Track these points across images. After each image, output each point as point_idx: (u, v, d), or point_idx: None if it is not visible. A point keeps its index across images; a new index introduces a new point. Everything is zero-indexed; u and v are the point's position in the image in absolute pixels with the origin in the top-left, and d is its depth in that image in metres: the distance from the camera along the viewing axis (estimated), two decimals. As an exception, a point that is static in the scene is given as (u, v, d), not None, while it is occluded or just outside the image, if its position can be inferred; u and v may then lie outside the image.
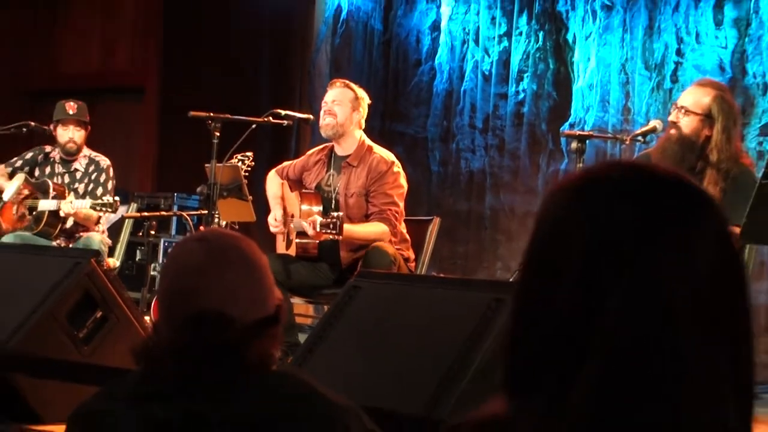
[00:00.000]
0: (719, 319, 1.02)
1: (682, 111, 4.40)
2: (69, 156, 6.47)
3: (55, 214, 6.14)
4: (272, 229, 5.35)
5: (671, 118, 4.46)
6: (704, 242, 1.03)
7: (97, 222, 6.28)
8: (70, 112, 6.44)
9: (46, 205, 6.17)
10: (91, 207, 6.01)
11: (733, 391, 1.02)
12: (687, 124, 4.38)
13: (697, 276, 1.02)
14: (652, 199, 1.05)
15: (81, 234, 6.24)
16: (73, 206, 6.03)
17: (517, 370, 1.10)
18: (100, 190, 6.30)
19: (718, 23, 7.11)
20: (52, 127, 6.52)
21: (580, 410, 1.00)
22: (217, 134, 5.39)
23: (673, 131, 4.42)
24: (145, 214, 7.53)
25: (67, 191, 6.24)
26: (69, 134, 6.43)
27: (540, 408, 1.04)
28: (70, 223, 6.23)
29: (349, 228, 4.94)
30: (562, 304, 1.05)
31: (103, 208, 5.99)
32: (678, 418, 0.99)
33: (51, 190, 6.23)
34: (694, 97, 4.41)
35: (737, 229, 4.07)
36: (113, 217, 6.50)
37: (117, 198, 6.13)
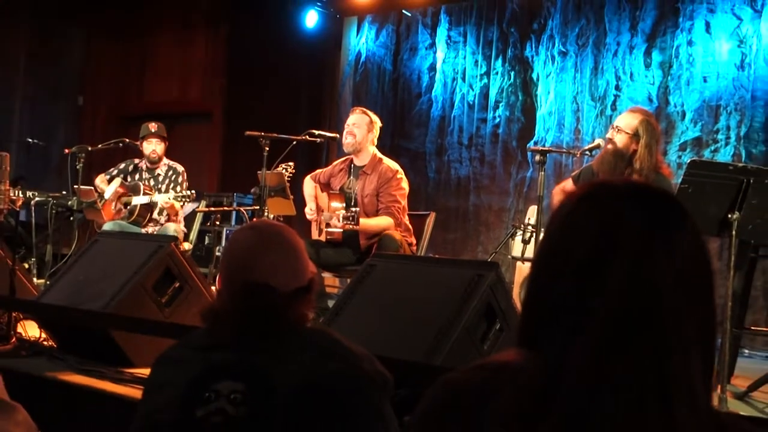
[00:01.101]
0: (694, 300, 1.03)
1: (616, 129, 4.39)
2: (152, 164, 6.48)
3: (145, 207, 6.17)
4: (308, 217, 5.37)
5: (608, 135, 4.46)
6: (685, 241, 1.04)
7: (177, 213, 6.30)
8: (152, 130, 6.46)
9: (138, 200, 6.19)
10: (174, 198, 6.05)
11: (700, 352, 1.02)
12: (620, 140, 4.37)
13: (679, 268, 1.02)
14: (652, 205, 1.06)
15: (164, 224, 6.26)
16: (161, 198, 6.08)
17: (529, 327, 1.10)
18: (178, 188, 6.31)
19: (647, 65, 7.09)
20: (139, 142, 6.54)
21: (578, 367, 0.99)
22: (267, 149, 5.37)
23: (609, 146, 4.41)
24: (212, 209, 7.54)
25: (153, 191, 6.27)
26: (152, 147, 6.44)
27: (544, 361, 1.03)
28: (156, 213, 6.25)
29: (363, 221, 4.96)
30: (570, 280, 1.04)
31: (184, 198, 6.03)
32: (656, 375, 0.98)
33: (142, 190, 6.26)
34: (626, 120, 4.40)
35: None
36: (188, 209, 6.50)
37: (192, 191, 6.15)
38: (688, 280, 1.03)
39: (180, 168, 6.51)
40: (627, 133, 4.34)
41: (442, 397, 1.10)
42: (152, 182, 6.42)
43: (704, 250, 1.07)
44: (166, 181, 6.43)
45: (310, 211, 5.35)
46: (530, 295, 1.11)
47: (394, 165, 5.29)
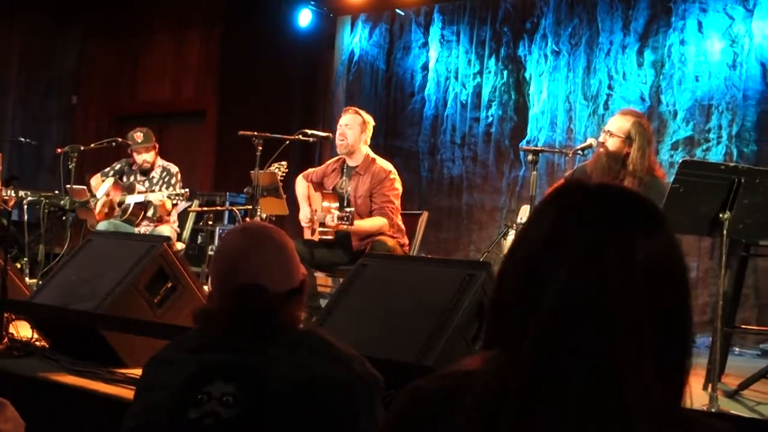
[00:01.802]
0: (652, 301, 1.00)
1: (609, 134, 4.39)
2: (146, 171, 6.47)
3: (139, 206, 6.17)
4: (304, 224, 5.35)
5: (601, 139, 4.45)
6: (646, 244, 1.02)
7: (169, 213, 6.29)
8: (138, 141, 6.39)
9: (132, 199, 6.20)
10: (168, 197, 6.05)
11: (658, 351, 1.00)
12: (612, 144, 4.37)
13: (633, 270, 1.00)
14: (611, 206, 1.05)
15: (157, 224, 6.25)
16: (156, 197, 6.07)
17: (491, 329, 1.09)
18: (171, 189, 6.31)
19: (640, 65, 7.10)
20: (129, 152, 6.52)
21: (523, 360, 0.98)
22: (260, 148, 5.38)
23: (602, 149, 4.41)
24: (205, 208, 7.54)
25: (147, 191, 6.28)
26: (142, 157, 6.41)
27: (498, 360, 1.02)
28: (150, 212, 6.25)
29: (357, 222, 4.96)
30: (523, 280, 1.04)
31: (177, 197, 6.03)
32: (599, 371, 0.97)
33: (136, 190, 6.26)
34: (617, 123, 4.40)
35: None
36: (181, 208, 6.50)
37: (186, 190, 6.15)
38: (647, 282, 1.00)
39: (174, 169, 6.51)
40: (619, 136, 4.34)
41: (408, 406, 1.09)
42: (147, 184, 6.41)
43: (671, 253, 1.04)
44: (160, 183, 6.42)
45: (305, 219, 5.32)
46: (493, 297, 1.10)
47: (387, 165, 5.29)
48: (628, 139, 4.34)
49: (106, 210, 6.29)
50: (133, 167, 6.52)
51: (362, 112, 5.38)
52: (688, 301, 1.06)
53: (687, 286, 1.06)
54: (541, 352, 0.98)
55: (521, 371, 0.98)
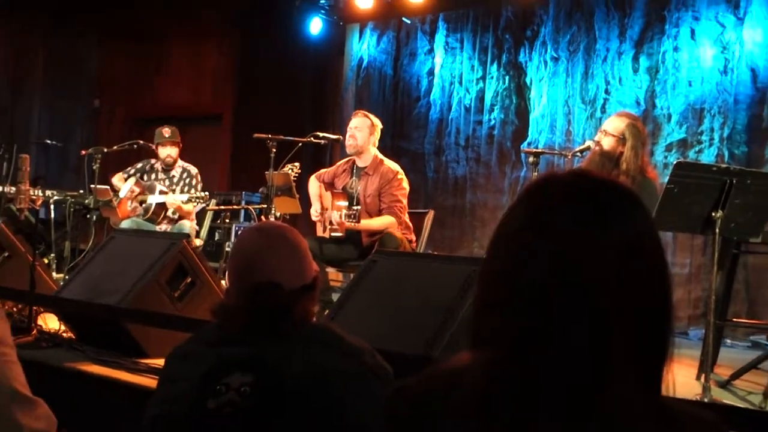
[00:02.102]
0: (627, 294, 0.96)
1: (604, 133, 4.40)
2: (168, 166, 6.49)
3: (160, 205, 6.19)
4: (314, 218, 5.37)
5: (596, 138, 4.46)
6: (619, 237, 0.97)
7: (190, 213, 6.31)
8: (166, 135, 6.47)
9: (153, 199, 6.21)
10: (186, 201, 6.05)
11: (636, 344, 0.96)
12: (607, 143, 4.37)
13: (606, 264, 0.96)
14: (583, 200, 1.00)
15: (178, 221, 6.27)
16: (177, 199, 6.08)
17: (475, 329, 1.05)
18: (192, 190, 6.32)
19: (635, 70, 7.09)
20: (154, 146, 6.54)
21: (504, 356, 0.96)
22: (274, 150, 5.39)
23: (597, 147, 4.41)
24: (222, 207, 7.54)
25: (169, 191, 6.29)
26: (167, 151, 6.46)
27: (483, 358, 1.00)
28: (170, 211, 6.26)
29: (367, 221, 4.99)
30: (501, 278, 1.01)
31: (198, 200, 6.04)
32: (576, 364, 0.94)
33: (158, 189, 6.27)
34: (613, 124, 4.41)
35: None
36: (198, 208, 6.51)
37: (206, 193, 6.16)
38: (620, 271, 0.95)
39: (194, 170, 6.52)
40: (614, 136, 4.35)
41: (397, 406, 1.07)
42: (167, 183, 6.43)
43: (644, 241, 0.99)
44: (181, 183, 6.44)
45: (315, 213, 5.34)
46: (476, 296, 1.06)
47: (394, 166, 5.29)
48: (622, 139, 4.34)
49: (130, 209, 6.31)
50: (155, 166, 6.54)
51: (371, 116, 5.38)
52: (666, 289, 1.01)
53: (664, 274, 1.01)
54: (519, 347, 0.95)
55: (502, 368, 0.96)
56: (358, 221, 4.80)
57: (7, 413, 1.43)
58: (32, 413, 1.47)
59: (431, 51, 8.44)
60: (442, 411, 1.00)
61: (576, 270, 0.95)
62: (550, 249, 0.96)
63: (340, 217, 4.88)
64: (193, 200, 6.04)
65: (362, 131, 5.27)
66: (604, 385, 0.93)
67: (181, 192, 6.34)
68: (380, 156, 5.34)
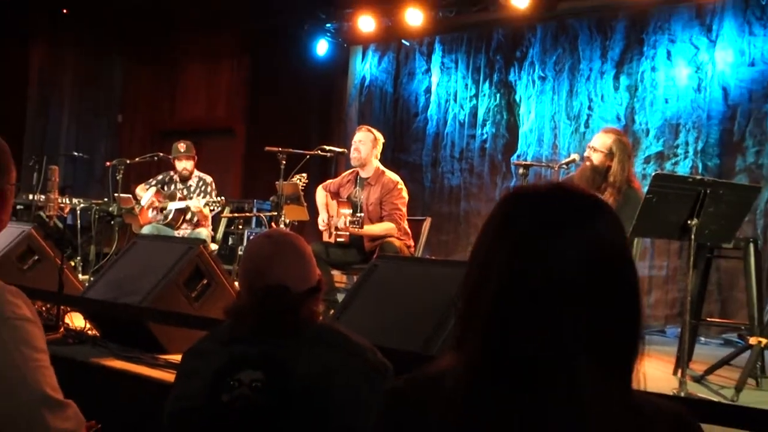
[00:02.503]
0: (591, 296, 0.94)
1: (593, 149, 4.39)
2: (184, 178, 6.49)
3: (179, 212, 6.19)
4: (320, 228, 5.36)
5: (586, 154, 4.45)
6: (580, 238, 0.95)
7: (207, 218, 6.31)
8: (181, 150, 6.46)
9: (173, 205, 6.22)
10: (204, 205, 6.06)
11: (601, 341, 0.94)
12: (596, 159, 4.37)
13: (565, 268, 0.94)
14: (544, 207, 0.99)
15: (195, 227, 6.27)
16: (194, 204, 6.07)
17: (458, 332, 1.04)
18: (208, 197, 6.33)
19: (616, 88, 7.09)
20: (172, 159, 6.55)
21: (470, 365, 0.96)
22: (283, 162, 5.39)
23: (587, 163, 4.40)
24: (235, 214, 7.54)
25: (187, 199, 6.30)
26: (182, 164, 6.45)
27: (460, 364, 0.99)
28: (189, 216, 6.27)
29: (369, 227, 4.99)
30: (473, 284, 0.99)
31: (214, 204, 6.05)
32: (546, 363, 0.93)
33: (177, 198, 6.28)
34: (601, 140, 4.40)
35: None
36: (216, 211, 6.51)
37: (222, 197, 6.17)
38: (589, 278, 0.94)
39: (209, 179, 6.53)
40: (602, 151, 4.34)
41: (389, 407, 1.06)
42: (185, 192, 6.43)
43: (611, 250, 0.97)
44: (197, 191, 6.45)
45: (322, 223, 5.34)
46: (460, 302, 1.04)
47: (395, 177, 5.29)
48: (609, 154, 4.34)
49: (151, 216, 6.32)
50: (174, 177, 6.55)
51: (374, 130, 5.39)
52: (634, 290, 0.99)
53: (630, 276, 0.99)
54: (489, 349, 0.94)
55: (476, 367, 0.95)
56: (361, 227, 4.81)
57: (38, 416, 1.42)
58: (62, 415, 1.45)
59: (428, 71, 8.45)
60: (427, 411, 0.99)
61: (541, 274, 0.93)
62: (515, 256, 0.95)
63: (345, 223, 4.89)
64: (210, 204, 6.06)
65: (366, 145, 5.28)
66: (574, 383, 0.92)
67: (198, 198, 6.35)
68: (382, 168, 5.34)
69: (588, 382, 0.92)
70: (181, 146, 6.46)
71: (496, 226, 1.01)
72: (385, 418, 1.05)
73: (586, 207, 1.00)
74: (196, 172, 6.55)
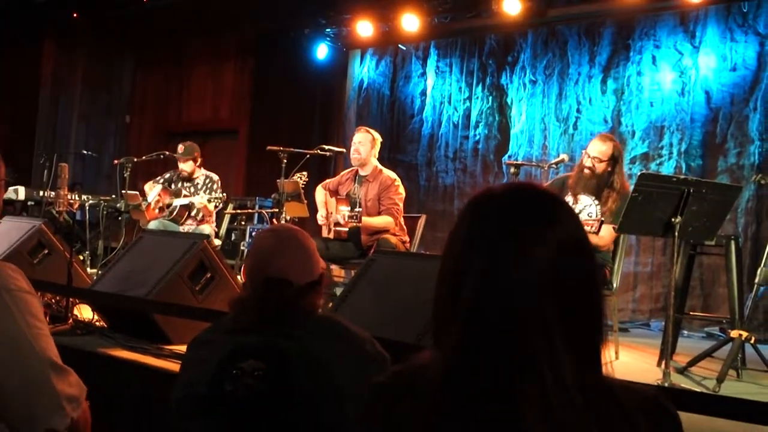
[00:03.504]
0: (558, 292, 0.94)
1: (597, 160, 4.33)
2: (186, 178, 6.46)
3: (184, 207, 6.17)
4: (320, 222, 5.36)
5: (587, 163, 4.36)
6: (548, 241, 0.96)
7: (211, 214, 6.29)
8: (179, 152, 6.41)
9: (178, 201, 6.20)
10: (208, 200, 6.05)
11: (569, 335, 0.93)
12: (600, 167, 4.33)
13: (535, 268, 0.94)
14: (509, 210, 0.99)
15: (200, 224, 6.25)
16: (197, 200, 6.06)
17: (435, 328, 1.03)
18: (213, 193, 6.31)
19: (603, 92, 7.09)
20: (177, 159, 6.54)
21: (449, 365, 0.95)
22: (285, 161, 5.38)
23: (588, 171, 4.35)
24: (238, 211, 7.53)
25: (192, 195, 6.29)
26: (181, 166, 6.42)
27: (439, 359, 0.98)
28: (193, 212, 6.25)
29: (366, 219, 4.97)
30: (446, 284, 0.99)
31: (217, 200, 6.03)
32: (516, 359, 0.92)
33: (182, 195, 6.26)
34: (601, 149, 4.35)
35: (610, 227, 4.05)
36: (219, 207, 6.49)
37: (224, 194, 6.16)
38: (550, 277, 0.94)
39: (215, 177, 6.51)
40: (606, 161, 4.33)
41: (372, 401, 1.05)
42: (192, 189, 6.41)
43: (575, 246, 0.97)
44: (204, 188, 6.43)
45: (321, 218, 5.33)
46: (434, 298, 1.04)
47: (392, 175, 5.29)
48: (611, 161, 4.34)
49: (157, 212, 6.30)
50: (180, 175, 6.53)
51: (372, 131, 5.38)
52: (596, 280, 0.99)
53: (592, 266, 0.99)
54: (466, 348, 0.93)
55: (454, 364, 0.94)
56: (360, 221, 4.81)
57: (47, 381, 1.43)
58: (66, 380, 1.47)
59: (424, 74, 8.44)
60: (407, 405, 0.98)
61: (513, 274, 0.93)
62: (486, 258, 0.95)
63: (344, 218, 4.89)
64: (212, 200, 6.05)
65: (365, 145, 5.27)
66: (555, 374, 0.91)
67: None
68: (380, 166, 5.34)
69: (567, 372, 0.92)
70: (180, 148, 6.41)
71: (465, 230, 1.00)
72: (370, 412, 1.04)
73: (549, 206, 1.00)
74: (203, 171, 6.53)
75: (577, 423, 0.91)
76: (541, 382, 0.91)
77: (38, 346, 1.44)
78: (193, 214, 6.25)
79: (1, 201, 1.65)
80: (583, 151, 4.48)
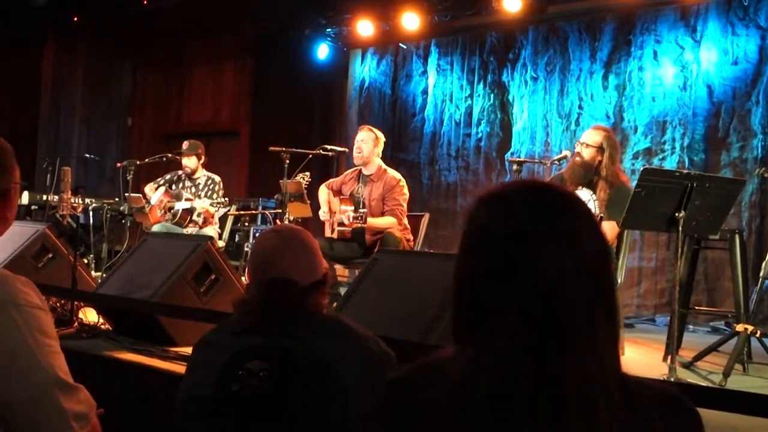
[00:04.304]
0: (592, 287, 0.97)
1: (584, 145, 4.36)
2: (189, 175, 6.47)
3: (186, 211, 6.17)
4: (322, 218, 5.36)
5: (577, 149, 4.42)
6: (579, 235, 0.98)
7: (213, 216, 6.30)
8: (184, 147, 6.44)
9: (180, 205, 6.20)
10: (210, 205, 6.05)
11: (604, 324, 0.96)
12: (587, 154, 4.35)
13: (578, 255, 0.97)
14: (545, 209, 1.01)
15: (203, 226, 6.25)
16: (200, 204, 6.07)
17: (459, 325, 1.04)
18: (215, 196, 6.31)
19: (605, 88, 7.08)
20: (179, 158, 6.54)
21: (493, 364, 0.94)
22: (287, 161, 5.38)
23: (578, 159, 4.38)
24: (241, 212, 7.53)
25: (194, 197, 6.28)
26: (185, 161, 6.44)
27: (469, 354, 0.98)
28: (196, 215, 6.25)
29: (370, 220, 4.96)
30: (485, 283, 0.99)
31: (219, 205, 6.03)
32: (565, 353, 0.93)
33: (184, 197, 6.26)
34: (591, 136, 4.38)
35: (612, 223, 4.06)
36: (221, 213, 6.49)
37: (227, 198, 6.16)
38: (585, 270, 0.97)
39: (217, 178, 6.51)
40: (593, 146, 4.33)
41: (390, 395, 1.05)
42: (193, 190, 6.42)
43: (596, 241, 1.01)
44: (205, 189, 6.43)
45: (323, 214, 5.34)
46: (455, 294, 1.05)
47: (397, 175, 5.28)
48: (600, 149, 4.32)
49: (160, 214, 6.31)
50: (181, 176, 6.53)
51: (375, 130, 5.37)
52: (612, 275, 1.03)
53: (609, 260, 1.02)
54: (508, 351, 0.94)
55: (486, 370, 0.94)
56: (365, 222, 4.81)
57: (53, 398, 1.42)
58: (74, 398, 1.46)
59: (425, 72, 8.44)
60: (428, 400, 0.98)
61: (534, 277, 0.95)
62: (526, 250, 0.96)
63: (348, 218, 4.89)
64: (215, 204, 6.05)
65: (368, 144, 5.27)
66: (583, 372, 0.93)
67: (206, 197, 6.33)
68: (384, 166, 5.33)
69: (606, 361, 0.94)
70: (185, 144, 6.45)
71: (501, 227, 1.01)
72: (386, 406, 1.04)
73: (574, 200, 1.03)
74: (205, 172, 6.53)
75: (613, 414, 0.92)
76: (584, 372, 0.92)
77: (46, 364, 1.43)
78: (194, 217, 6.26)
79: (16, 205, 1.65)
80: (577, 141, 4.51)
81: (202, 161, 6.49)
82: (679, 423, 0.97)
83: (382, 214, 5.13)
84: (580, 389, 0.92)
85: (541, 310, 0.95)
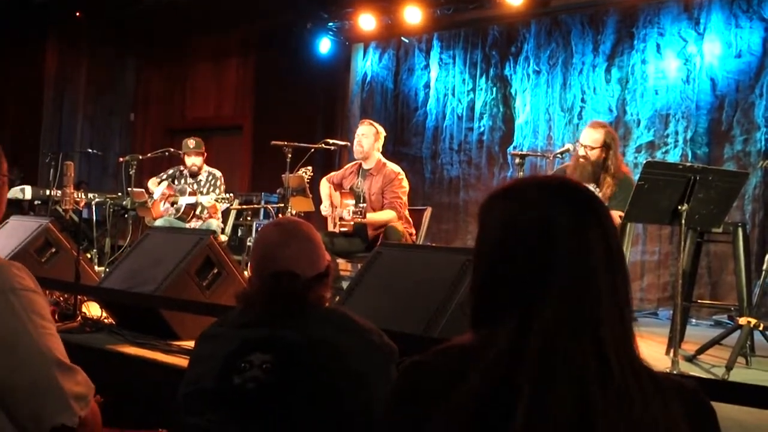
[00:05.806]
0: (615, 276, 1.02)
1: (589, 148, 4.38)
2: (193, 173, 6.47)
3: (190, 206, 6.18)
4: (323, 213, 5.36)
5: (581, 152, 4.43)
6: (605, 229, 1.03)
7: (217, 211, 6.30)
8: (191, 146, 6.43)
9: (184, 200, 6.20)
10: (215, 200, 6.05)
11: (627, 318, 1.01)
12: (593, 155, 4.38)
13: (606, 246, 1.02)
14: (579, 197, 1.06)
15: (204, 220, 6.25)
16: (205, 200, 6.07)
17: (481, 313, 1.06)
18: (217, 191, 6.31)
19: (608, 81, 7.06)
20: (182, 155, 6.53)
21: (539, 347, 0.97)
22: (289, 155, 5.37)
23: (583, 159, 4.39)
24: (244, 206, 7.53)
25: (197, 193, 6.28)
26: (191, 160, 6.43)
27: (501, 339, 0.99)
28: (198, 211, 6.25)
29: (370, 215, 4.97)
30: (520, 266, 1.02)
31: (223, 200, 6.04)
32: (601, 340, 0.97)
33: (188, 192, 6.26)
34: (593, 137, 4.40)
35: (620, 214, 4.05)
36: (223, 207, 6.49)
37: (231, 194, 6.16)
38: (612, 261, 1.02)
39: (218, 173, 6.51)
40: (598, 147, 4.37)
41: (410, 380, 1.06)
42: (195, 186, 6.42)
43: (616, 234, 1.06)
44: (207, 185, 6.43)
45: (325, 208, 5.34)
46: (477, 284, 1.08)
47: (396, 168, 5.27)
48: (604, 147, 4.36)
49: (163, 209, 6.31)
50: (184, 171, 6.53)
51: (376, 124, 5.36)
52: (628, 274, 1.07)
53: (623, 256, 1.08)
54: (550, 335, 0.97)
55: (533, 352, 0.96)
56: (364, 217, 4.80)
57: (53, 380, 1.43)
58: (73, 379, 1.47)
59: (427, 66, 8.42)
60: (456, 384, 0.99)
61: (590, 258, 1.01)
62: (558, 249, 1.01)
63: (348, 213, 4.88)
64: (218, 200, 6.05)
65: (368, 138, 5.26)
66: (607, 362, 0.96)
67: (208, 193, 6.33)
68: (383, 159, 5.32)
69: (619, 362, 0.97)
70: (191, 143, 6.44)
71: (510, 230, 1.05)
72: (405, 389, 1.06)
73: (592, 194, 1.09)
74: (206, 167, 6.53)
75: (637, 399, 0.95)
76: (602, 368, 0.96)
77: (44, 346, 1.44)
78: (198, 212, 6.26)
79: (5, 198, 1.65)
80: (577, 141, 4.50)
81: (204, 158, 6.50)
82: (698, 416, 1.01)
83: (382, 207, 5.13)
84: (623, 366, 0.96)
85: (576, 297, 0.99)
